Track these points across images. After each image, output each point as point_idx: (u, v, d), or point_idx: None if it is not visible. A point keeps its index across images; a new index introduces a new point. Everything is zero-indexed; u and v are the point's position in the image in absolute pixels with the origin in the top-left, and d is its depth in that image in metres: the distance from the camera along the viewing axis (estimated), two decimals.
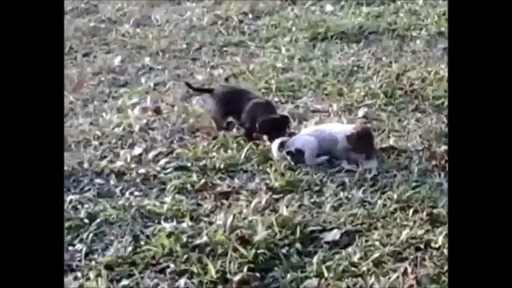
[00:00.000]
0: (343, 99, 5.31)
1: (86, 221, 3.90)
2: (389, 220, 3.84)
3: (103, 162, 4.51)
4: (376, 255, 3.54)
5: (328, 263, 3.49)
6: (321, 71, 5.81)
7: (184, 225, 3.82)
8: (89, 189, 4.25)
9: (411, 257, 3.52)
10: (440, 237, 3.61)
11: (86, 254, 3.64)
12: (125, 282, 3.47)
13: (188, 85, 5.17)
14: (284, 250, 3.61)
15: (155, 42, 6.53)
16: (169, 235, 3.70)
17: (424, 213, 3.86)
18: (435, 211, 3.87)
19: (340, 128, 4.59)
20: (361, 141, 4.46)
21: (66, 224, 3.85)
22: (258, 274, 3.46)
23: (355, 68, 5.90)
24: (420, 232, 3.70)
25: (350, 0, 7.50)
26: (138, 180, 4.33)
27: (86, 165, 4.49)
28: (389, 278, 3.38)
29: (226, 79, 5.75)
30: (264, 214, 3.90)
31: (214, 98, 4.85)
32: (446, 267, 3.38)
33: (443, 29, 6.68)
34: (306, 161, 4.41)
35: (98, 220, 3.91)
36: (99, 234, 3.82)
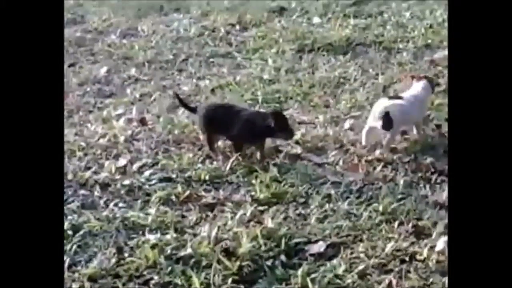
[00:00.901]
0: (329, 111, 5.31)
1: (70, 232, 3.86)
2: (375, 232, 3.82)
3: (88, 173, 4.48)
4: (361, 267, 3.51)
5: (313, 275, 3.45)
6: (307, 82, 5.81)
7: (168, 236, 3.78)
8: (73, 200, 4.21)
9: (396, 269, 3.50)
10: (425, 250, 3.59)
11: (69, 266, 3.59)
12: None
13: (177, 96, 5.10)
14: (268, 262, 3.57)
15: (141, 53, 6.52)
16: (153, 247, 3.67)
17: (410, 225, 3.85)
18: (420, 223, 3.86)
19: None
20: None
21: None
22: (242, 286, 3.42)
23: (342, 80, 5.90)
24: (405, 244, 3.68)
25: (337, 12, 7.53)
26: (122, 191, 4.30)
27: (70, 176, 4.45)
28: None
29: (212, 90, 5.74)
30: (249, 226, 3.87)
31: (200, 119, 4.77)
32: (431, 279, 3.38)
33: (429, 41, 6.71)
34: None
35: (81, 232, 3.86)
36: (82, 245, 3.77)
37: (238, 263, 3.53)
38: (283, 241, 3.70)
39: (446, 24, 7.11)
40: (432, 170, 4.43)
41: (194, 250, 3.64)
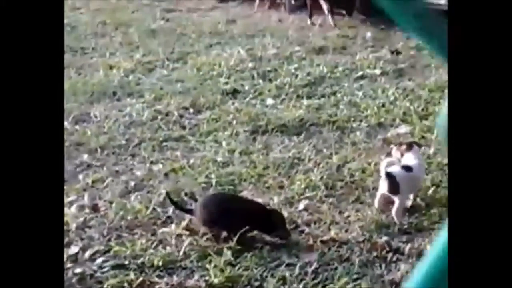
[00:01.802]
0: (284, 192, 5.29)
1: None
2: None
3: None
4: None
5: None
6: (261, 164, 5.79)
7: None
8: None
9: None
10: None
11: None
12: None
13: (169, 198, 4.95)
14: None
15: (94, 139, 6.46)
16: None
17: None
18: None
19: None
20: None
21: None
22: None
23: (296, 161, 5.90)
24: None
25: (291, 93, 7.57)
26: (74, 280, 4.21)
27: None
28: None
29: (166, 174, 5.68)
30: None
31: (197, 220, 4.69)
32: None
33: (382, 120, 6.76)
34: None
35: None
36: None
37: None
38: None
39: (398, 103, 7.18)
40: (387, 248, 4.41)
41: None
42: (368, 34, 10.03)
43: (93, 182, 5.63)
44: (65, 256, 4.43)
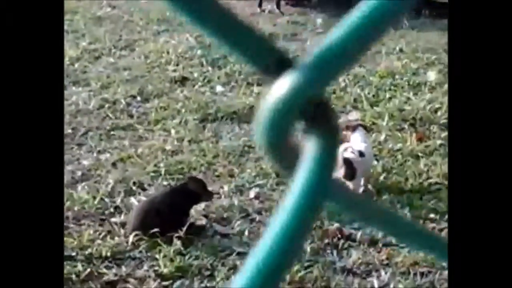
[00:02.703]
0: (234, 180, 5.22)
1: None
2: None
3: None
4: None
5: None
6: (211, 152, 5.71)
7: None
8: None
9: None
10: None
11: None
12: None
13: None
14: None
15: None
16: None
17: None
18: None
19: None
20: None
21: None
22: None
23: (246, 148, 5.83)
24: None
25: (241, 80, 7.49)
26: None
27: None
28: None
29: (114, 164, 5.58)
30: None
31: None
32: None
33: (333, 106, 6.68)
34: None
35: None
36: None
37: None
38: None
39: (348, 89, 7.15)
40: (339, 235, 4.37)
41: None
42: (319, 20, 9.98)
43: None
44: None
